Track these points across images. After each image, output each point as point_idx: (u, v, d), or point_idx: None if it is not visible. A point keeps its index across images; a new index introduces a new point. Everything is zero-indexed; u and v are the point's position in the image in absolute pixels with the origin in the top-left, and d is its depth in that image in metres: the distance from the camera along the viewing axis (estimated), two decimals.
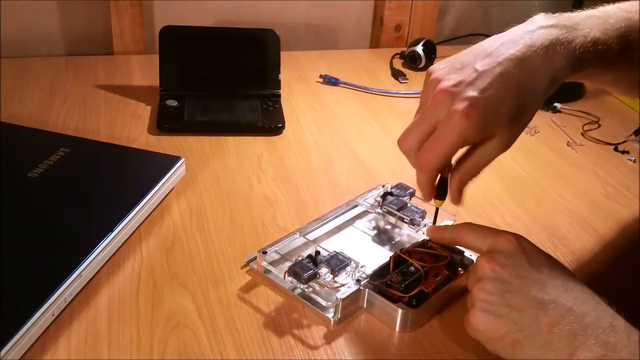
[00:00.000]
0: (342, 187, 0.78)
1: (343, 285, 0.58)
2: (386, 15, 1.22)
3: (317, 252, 0.60)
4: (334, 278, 0.59)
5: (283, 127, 0.90)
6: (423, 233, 0.67)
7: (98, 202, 0.67)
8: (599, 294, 0.49)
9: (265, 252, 0.62)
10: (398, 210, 0.69)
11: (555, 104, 1.02)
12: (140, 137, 0.86)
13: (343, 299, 0.57)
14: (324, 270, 0.59)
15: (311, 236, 0.67)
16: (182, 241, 0.67)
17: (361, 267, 0.60)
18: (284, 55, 0.96)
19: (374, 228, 0.70)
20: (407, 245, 0.64)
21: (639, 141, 0.94)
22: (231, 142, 0.86)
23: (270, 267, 0.61)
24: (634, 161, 0.90)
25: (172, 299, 0.59)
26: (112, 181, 0.72)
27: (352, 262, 0.60)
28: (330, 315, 0.58)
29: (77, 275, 0.58)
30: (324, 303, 0.58)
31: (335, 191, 0.77)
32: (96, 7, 1.09)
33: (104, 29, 1.10)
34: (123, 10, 1.07)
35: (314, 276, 0.58)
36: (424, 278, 0.60)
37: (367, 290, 0.58)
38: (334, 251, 0.61)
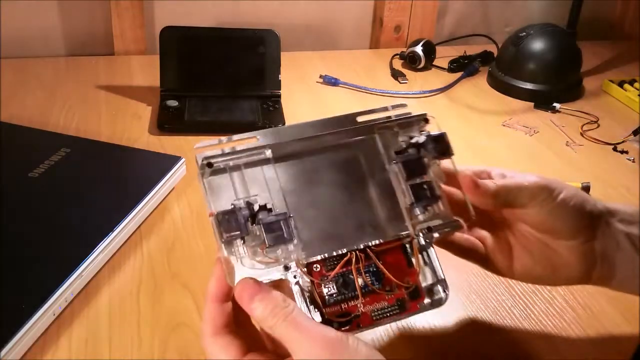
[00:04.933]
0: None
1: (268, 263, 0.44)
2: (386, 15, 1.22)
3: (264, 207, 0.45)
4: (263, 250, 0.44)
5: None
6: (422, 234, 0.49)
7: (99, 202, 0.67)
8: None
9: (210, 165, 0.45)
10: (409, 175, 0.49)
11: (555, 104, 1.02)
12: (141, 137, 0.86)
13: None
14: (255, 235, 0.44)
15: (283, 168, 0.47)
16: (182, 241, 0.67)
17: (302, 249, 0.45)
18: (284, 56, 0.96)
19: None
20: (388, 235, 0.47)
21: (638, 141, 0.94)
22: None
23: (206, 189, 0.45)
24: (633, 161, 0.90)
25: (173, 299, 0.59)
26: (112, 181, 0.72)
27: (296, 241, 0.45)
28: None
29: (78, 275, 0.58)
30: (228, 278, 0.44)
31: None
32: (97, 8, 1.09)
33: (104, 29, 1.10)
34: (124, 11, 1.07)
35: (238, 237, 0.44)
36: (362, 293, 0.46)
37: (291, 285, 0.44)
38: (287, 213, 0.45)
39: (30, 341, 0.53)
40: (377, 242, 0.47)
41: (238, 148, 0.46)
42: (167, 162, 0.74)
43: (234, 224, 0.44)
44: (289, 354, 0.40)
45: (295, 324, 0.40)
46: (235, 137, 0.46)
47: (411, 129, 0.51)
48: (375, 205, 0.48)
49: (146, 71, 1.04)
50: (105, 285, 0.60)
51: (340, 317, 0.45)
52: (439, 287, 0.48)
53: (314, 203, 0.47)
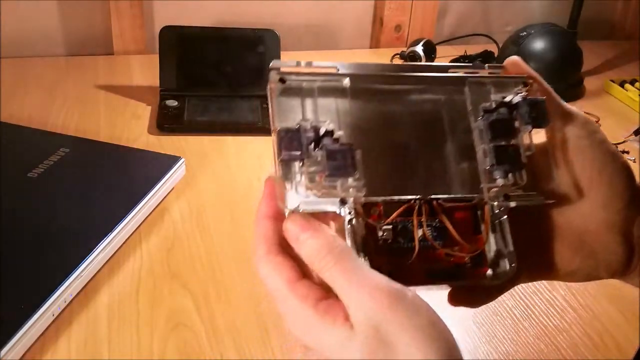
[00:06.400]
0: None
1: (324, 193, 0.40)
2: (386, 15, 1.22)
3: (329, 133, 0.41)
4: (321, 179, 0.40)
5: None
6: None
7: (98, 202, 0.67)
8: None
9: (283, 81, 0.42)
10: (494, 135, 0.43)
11: None
12: (141, 137, 0.86)
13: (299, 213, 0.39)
14: (316, 160, 0.40)
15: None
16: (182, 241, 0.67)
17: (362, 187, 0.40)
18: (284, 56, 0.96)
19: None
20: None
21: (639, 141, 0.94)
22: (231, 142, 0.86)
23: (275, 104, 0.42)
24: (634, 161, 0.90)
25: (172, 299, 0.59)
26: (112, 181, 0.72)
27: (357, 176, 0.40)
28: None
29: (77, 276, 0.58)
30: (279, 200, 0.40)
31: None
32: (96, 7, 1.09)
33: (104, 29, 1.10)
34: (123, 11, 1.07)
35: (298, 159, 0.41)
36: (417, 251, 0.41)
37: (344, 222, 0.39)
38: (353, 145, 0.40)
39: (30, 342, 0.53)
40: (445, 196, 0.42)
41: (315, 72, 0.42)
42: (166, 162, 0.74)
43: (296, 143, 0.40)
44: None
45: (345, 270, 0.35)
46: (315, 62, 0.43)
47: (506, 90, 0.45)
48: (452, 160, 0.44)
49: (146, 71, 1.04)
50: (105, 286, 0.60)
51: (389, 267, 0.40)
52: (506, 260, 0.42)
53: (385, 145, 0.43)
